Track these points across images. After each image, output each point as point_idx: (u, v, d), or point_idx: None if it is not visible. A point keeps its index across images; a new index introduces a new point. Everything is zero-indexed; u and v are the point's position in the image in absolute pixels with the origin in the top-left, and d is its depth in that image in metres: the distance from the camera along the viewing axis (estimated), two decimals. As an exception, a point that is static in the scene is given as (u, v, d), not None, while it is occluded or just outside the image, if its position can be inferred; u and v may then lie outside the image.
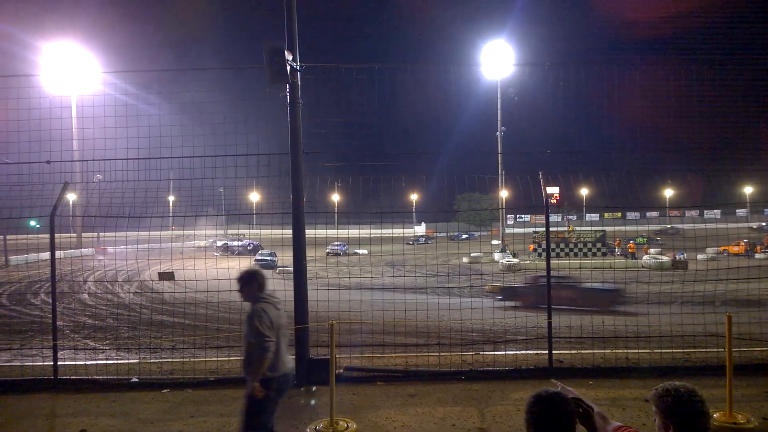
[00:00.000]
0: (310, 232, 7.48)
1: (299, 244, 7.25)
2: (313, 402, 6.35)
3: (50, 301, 7.65)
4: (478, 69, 37.68)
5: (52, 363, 7.10)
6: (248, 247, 38.13)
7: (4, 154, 8.35)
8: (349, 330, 10.25)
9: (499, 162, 35.32)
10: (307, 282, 7.34)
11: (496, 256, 35.45)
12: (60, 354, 7.36)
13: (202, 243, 33.11)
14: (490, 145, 39.00)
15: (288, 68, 6.79)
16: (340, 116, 8.01)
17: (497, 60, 38.40)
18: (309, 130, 7.46)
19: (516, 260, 31.82)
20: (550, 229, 7.88)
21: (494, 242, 38.57)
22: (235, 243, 39.25)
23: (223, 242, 38.33)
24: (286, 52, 6.65)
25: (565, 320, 11.79)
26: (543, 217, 7.69)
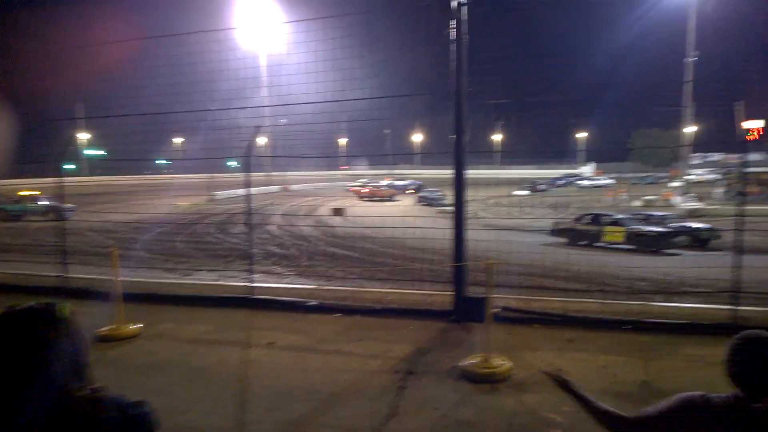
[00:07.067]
0: (472, 172, 7.42)
1: (459, 184, 7.28)
2: (469, 338, 6.45)
3: (246, 231, 8.84)
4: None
5: (248, 284, 8.32)
6: (411, 187, 39.48)
7: (209, 101, 9.61)
8: (507, 271, 10.11)
9: (689, 92, 30.56)
10: (466, 221, 7.39)
11: (678, 199, 31.27)
12: (254, 277, 8.58)
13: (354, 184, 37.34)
14: (676, 74, 33.17)
15: (456, 3, 6.63)
16: (505, 51, 7.60)
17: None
18: (470, 67, 7.20)
19: (700, 204, 27.71)
20: (751, 169, 6.64)
21: (672, 184, 33.84)
22: (399, 183, 41.00)
23: (388, 182, 40.26)
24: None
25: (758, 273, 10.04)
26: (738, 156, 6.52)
